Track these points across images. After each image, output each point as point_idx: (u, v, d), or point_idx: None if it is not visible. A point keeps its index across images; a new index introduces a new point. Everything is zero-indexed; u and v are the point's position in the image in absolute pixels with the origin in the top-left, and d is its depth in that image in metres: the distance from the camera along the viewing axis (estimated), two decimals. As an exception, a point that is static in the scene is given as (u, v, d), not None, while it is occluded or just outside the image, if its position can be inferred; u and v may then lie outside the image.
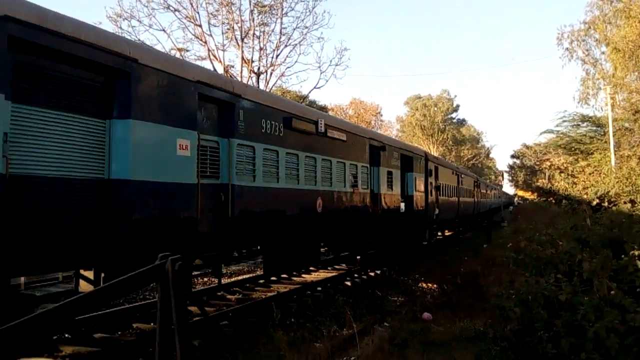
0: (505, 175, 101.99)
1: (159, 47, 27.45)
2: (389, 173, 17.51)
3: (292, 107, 12.68)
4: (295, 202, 11.73)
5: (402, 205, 19.05)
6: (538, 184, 50.27)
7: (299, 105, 17.37)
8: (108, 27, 27.63)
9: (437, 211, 23.42)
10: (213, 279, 14.71)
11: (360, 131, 16.69)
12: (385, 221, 16.83)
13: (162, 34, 31.50)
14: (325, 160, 13.19)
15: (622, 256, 6.94)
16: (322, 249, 18.58)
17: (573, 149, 38.16)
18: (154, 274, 3.38)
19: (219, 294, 12.22)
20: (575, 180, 27.44)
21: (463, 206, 32.28)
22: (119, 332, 8.98)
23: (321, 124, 12.73)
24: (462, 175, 33.38)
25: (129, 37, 25.89)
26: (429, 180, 21.96)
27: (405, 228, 19.32)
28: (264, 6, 31.05)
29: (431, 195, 22.33)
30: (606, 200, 20.90)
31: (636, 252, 6.69)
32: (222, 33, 31.10)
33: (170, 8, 29.30)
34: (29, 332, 3.30)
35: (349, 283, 14.69)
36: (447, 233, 31.43)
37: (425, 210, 21.32)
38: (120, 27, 28.23)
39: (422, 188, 21.02)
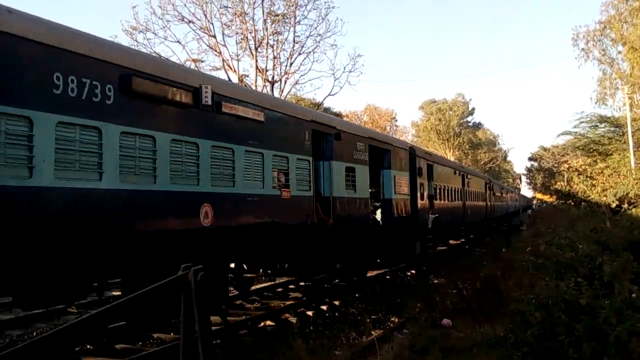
0: (523, 178, 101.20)
1: (174, 59, 27.80)
2: (350, 170, 13.27)
3: (139, 59, 8.08)
4: (146, 214, 7.56)
5: (378, 212, 16.00)
6: (557, 186, 49.76)
7: (155, 59, 12.48)
8: (124, 40, 28.07)
9: (431, 218, 19.45)
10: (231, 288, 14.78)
11: (293, 110, 11.82)
12: (344, 233, 12.89)
13: (177, 46, 31.90)
14: (220, 148, 8.82)
15: (643, 259, 6.88)
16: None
17: (591, 150, 37.74)
18: (177, 285, 3.44)
19: (237, 302, 12.29)
20: (594, 182, 27.17)
21: (471, 211, 28.30)
22: (140, 343, 9.08)
23: (206, 92, 8.50)
24: (469, 176, 29.16)
25: (144, 50, 26.27)
26: (418, 181, 18.03)
27: (382, 241, 15.59)
28: (277, 15, 31.25)
29: (422, 199, 18.49)
30: (626, 201, 20.68)
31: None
32: (236, 43, 31.36)
33: (185, 20, 29.59)
34: (56, 344, 3.38)
35: (367, 290, 14.67)
36: (452, 242, 27.54)
37: (414, 217, 17.52)
38: (136, 40, 28.59)
39: (405, 190, 17.00)
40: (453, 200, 24.16)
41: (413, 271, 18.29)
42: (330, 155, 12.60)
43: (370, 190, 15.16)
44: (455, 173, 25.42)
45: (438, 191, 21.11)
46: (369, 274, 16.20)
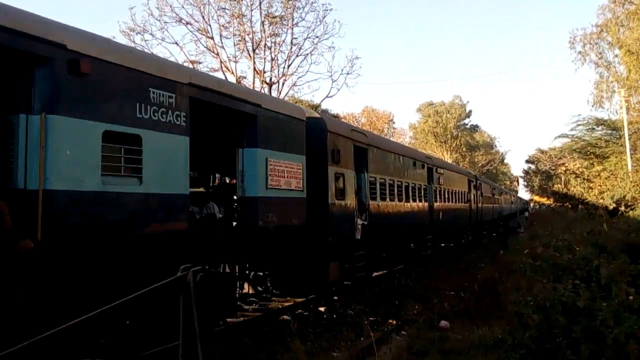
0: (521, 181, 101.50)
1: (172, 60, 27.83)
2: (122, 139, 6.97)
3: None
4: None
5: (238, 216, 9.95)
6: (554, 189, 49.92)
7: None
8: (121, 41, 28.09)
9: (361, 226, 13.44)
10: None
11: None
12: (97, 262, 6.51)
13: (175, 47, 31.99)
14: None
15: (640, 261, 6.92)
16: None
17: (588, 153, 37.89)
18: (176, 286, 3.45)
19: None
20: (591, 184, 27.32)
21: (443, 215, 22.04)
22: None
23: None
24: (440, 170, 22.54)
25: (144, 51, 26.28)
26: (330, 171, 11.93)
27: (246, 263, 10.76)
28: (275, 17, 31.32)
29: (341, 197, 12.38)
30: (623, 204, 20.81)
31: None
32: (234, 45, 31.43)
33: (183, 21, 29.68)
34: (53, 345, 3.39)
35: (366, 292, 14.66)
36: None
37: (321, 225, 11.51)
38: (134, 41, 28.62)
39: (296, 184, 10.75)
40: (410, 201, 17.84)
41: (322, 309, 12.15)
42: (48, 105, 6.13)
43: (227, 181, 11.10)
44: (414, 164, 18.93)
45: (379, 188, 14.92)
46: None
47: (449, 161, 55.25)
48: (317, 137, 11.76)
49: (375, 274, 15.88)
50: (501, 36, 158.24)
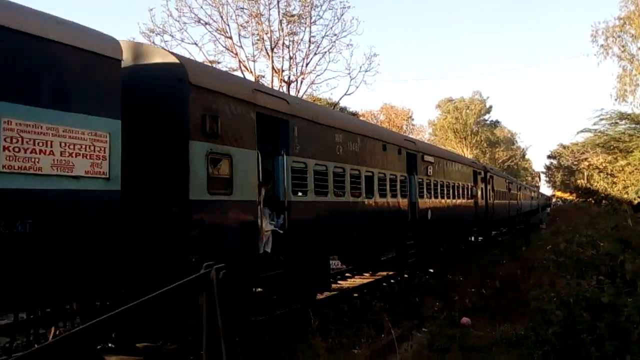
0: (542, 176, 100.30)
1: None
2: None
3: None
4: None
5: None
6: (577, 184, 49.19)
7: None
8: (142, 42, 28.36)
9: (272, 233, 9.28)
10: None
11: None
12: None
13: (194, 47, 32.33)
14: None
15: (666, 256, 6.81)
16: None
17: (612, 147, 37.19)
18: (199, 283, 3.49)
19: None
20: (615, 179, 26.88)
21: (433, 214, 17.95)
22: (160, 341, 9.17)
23: None
24: (428, 158, 18.26)
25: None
26: (199, 149, 7.61)
27: None
28: (293, 16, 31.37)
29: (223, 192, 8.10)
30: (648, 199, 20.44)
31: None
32: (252, 44, 31.59)
33: (201, 22, 29.91)
34: (79, 343, 3.44)
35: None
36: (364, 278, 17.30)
37: (173, 236, 7.42)
38: (153, 42, 28.92)
39: (95, 167, 6.26)
40: (374, 196, 13.58)
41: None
42: None
43: None
44: (385, 149, 14.51)
45: (313, 178, 10.66)
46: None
47: (469, 157, 54.63)
48: (165, 92, 7.73)
49: (320, 296, 12.65)
50: (522, 30, 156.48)
